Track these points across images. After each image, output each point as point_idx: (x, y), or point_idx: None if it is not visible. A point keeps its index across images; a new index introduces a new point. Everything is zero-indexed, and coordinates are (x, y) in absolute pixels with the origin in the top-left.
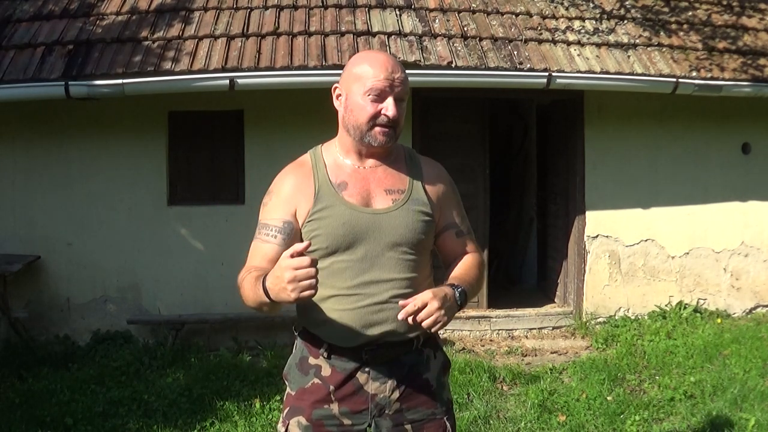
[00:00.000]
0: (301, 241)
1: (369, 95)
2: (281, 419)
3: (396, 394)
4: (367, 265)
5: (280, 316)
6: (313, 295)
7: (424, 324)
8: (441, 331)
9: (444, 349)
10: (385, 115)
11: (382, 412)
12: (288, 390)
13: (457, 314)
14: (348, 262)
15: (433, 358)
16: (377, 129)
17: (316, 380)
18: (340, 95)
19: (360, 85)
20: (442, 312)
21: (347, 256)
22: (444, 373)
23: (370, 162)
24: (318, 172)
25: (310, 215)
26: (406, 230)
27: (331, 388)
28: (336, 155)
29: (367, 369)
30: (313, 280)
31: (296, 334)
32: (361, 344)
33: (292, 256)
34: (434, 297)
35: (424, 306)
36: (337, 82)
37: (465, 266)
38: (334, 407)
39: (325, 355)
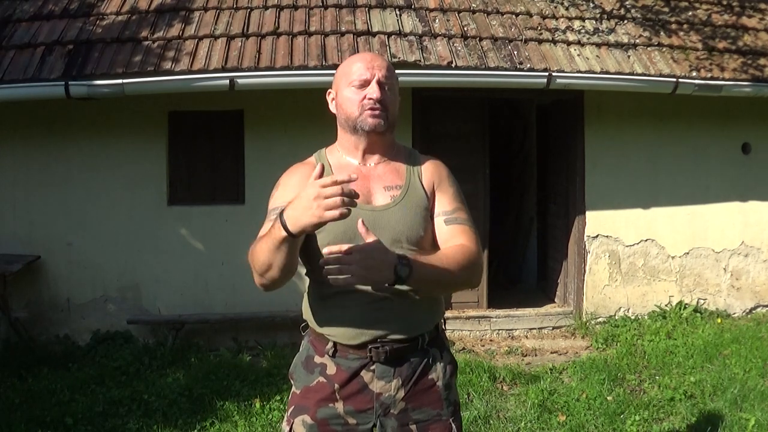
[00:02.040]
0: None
1: (353, 86)
2: (286, 418)
3: (401, 394)
4: None
5: (281, 316)
6: (338, 217)
7: (326, 268)
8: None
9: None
10: (369, 98)
11: (387, 411)
12: (293, 389)
13: (456, 314)
14: None
15: (440, 359)
16: (366, 113)
17: (321, 379)
18: (334, 98)
19: (345, 80)
20: (352, 267)
21: None
22: (451, 374)
23: (373, 159)
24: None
25: None
26: (404, 227)
27: (336, 386)
28: (339, 156)
29: (372, 368)
30: (339, 199)
31: (303, 333)
32: (364, 342)
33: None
34: (361, 250)
35: (344, 253)
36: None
37: (444, 250)
38: (339, 406)
39: (331, 353)
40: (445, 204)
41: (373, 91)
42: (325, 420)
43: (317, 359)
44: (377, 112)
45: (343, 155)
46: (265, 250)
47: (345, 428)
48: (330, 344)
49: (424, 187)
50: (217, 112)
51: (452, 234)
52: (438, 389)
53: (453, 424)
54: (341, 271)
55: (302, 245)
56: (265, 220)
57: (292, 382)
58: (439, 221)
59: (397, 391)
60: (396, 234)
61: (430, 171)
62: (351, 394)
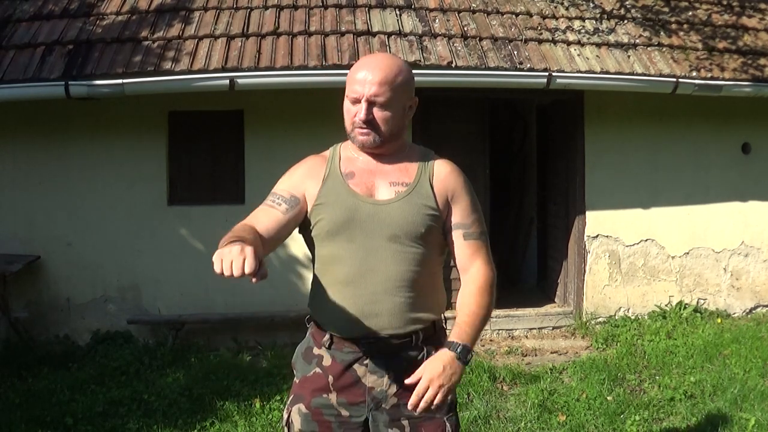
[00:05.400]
0: (308, 222)
1: (349, 99)
2: (286, 406)
3: (393, 389)
4: (365, 254)
5: (281, 316)
6: (247, 274)
7: (435, 402)
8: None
9: None
10: (358, 118)
11: (378, 405)
12: (295, 378)
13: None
14: (347, 250)
15: None
16: (356, 130)
17: (318, 369)
18: None
19: (347, 88)
20: (446, 386)
21: (346, 245)
22: None
23: (380, 158)
24: (332, 162)
25: (316, 200)
26: (405, 222)
27: (331, 378)
28: (350, 151)
29: (365, 361)
30: (240, 270)
31: (308, 324)
32: (358, 336)
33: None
34: (433, 378)
35: (426, 391)
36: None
37: (469, 301)
38: (333, 397)
39: (327, 345)
40: (463, 215)
41: (360, 111)
42: (318, 410)
43: (315, 350)
44: (364, 130)
45: (353, 152)
46: None
47: (338, 419)
48: (327, 336)
49: (433, 190)
50: (217, 112)
51: (470, 248)
52: None
53: (447, 423)
54: (444, 396)
55: (305, 232)
56: (266, 199)
57: (294, 371)
58: (457, 234)
59: (389, 387)
60: (395, 229)
61: (443, 178)
62: (344, 386)
